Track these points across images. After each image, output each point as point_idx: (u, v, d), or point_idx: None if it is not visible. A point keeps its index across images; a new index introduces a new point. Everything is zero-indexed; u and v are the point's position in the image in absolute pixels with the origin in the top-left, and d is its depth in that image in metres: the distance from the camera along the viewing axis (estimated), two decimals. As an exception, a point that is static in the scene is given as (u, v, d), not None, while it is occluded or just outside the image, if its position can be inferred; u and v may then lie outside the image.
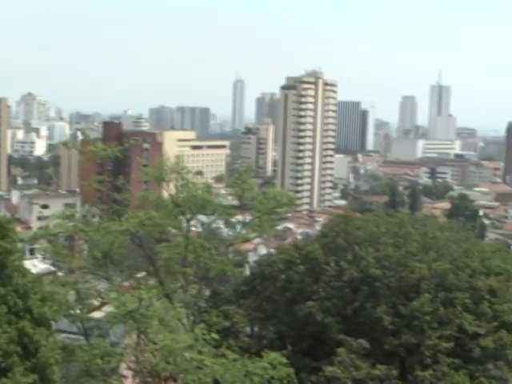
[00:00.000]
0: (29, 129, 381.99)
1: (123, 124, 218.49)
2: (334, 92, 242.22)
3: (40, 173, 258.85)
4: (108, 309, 30.45)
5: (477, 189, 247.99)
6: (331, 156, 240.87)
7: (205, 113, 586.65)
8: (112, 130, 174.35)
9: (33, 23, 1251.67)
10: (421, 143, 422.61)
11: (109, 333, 31.27)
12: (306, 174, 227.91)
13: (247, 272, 46.17)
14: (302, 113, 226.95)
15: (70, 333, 34.17)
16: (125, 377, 31.42)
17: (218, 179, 52.00)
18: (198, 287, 36.94)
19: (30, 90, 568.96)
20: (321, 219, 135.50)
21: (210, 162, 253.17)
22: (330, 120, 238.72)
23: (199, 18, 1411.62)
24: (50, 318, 27.26)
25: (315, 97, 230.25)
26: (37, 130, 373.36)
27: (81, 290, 33.46)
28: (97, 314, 33.71)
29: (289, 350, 34.65)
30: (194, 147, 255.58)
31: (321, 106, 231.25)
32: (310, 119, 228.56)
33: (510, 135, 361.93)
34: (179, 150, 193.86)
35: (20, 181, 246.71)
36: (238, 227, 38.36)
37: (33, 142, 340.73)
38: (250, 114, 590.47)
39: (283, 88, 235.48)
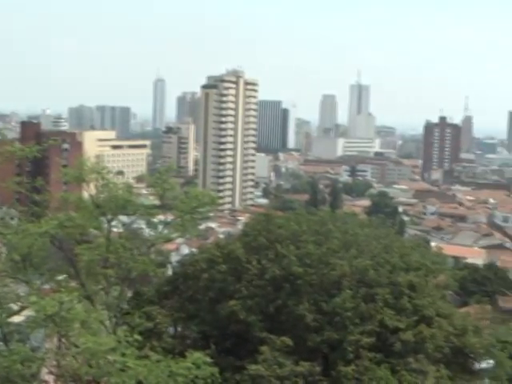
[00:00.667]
0: None
1: (42, 124, 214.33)
2: (255, 91, 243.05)
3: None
4: (28, 313, 29.81)
5: (396, 186, 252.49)
6: (252, 155, 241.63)
7: (125, 112, 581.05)
8: (30, 129, 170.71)
9: None
10: (341, 142, 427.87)
11: (29, 337, 30.61)
12: (228, 173, 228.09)
13: (170, 272, 45.94)
14: (223, 112, 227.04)
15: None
16: (46, 382, 30.83)
17: (139, 179, 51.75)
18: (119, 288, 36.52)
19: None
20: (243, 218, 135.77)
21: (131, 162, 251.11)
22: (251, 119, 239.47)
23: (119, 16, 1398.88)
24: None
25: (236, 96, 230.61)
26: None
27: (-1, 294, 32.70)
28: (16, 319, 32.98)
29: (212, 350, 34.58)
30: (115, 147, 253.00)
31: (242, 105, 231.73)
32: (231, 118, 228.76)
33: (427, 133, 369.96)
34: (99, 150, 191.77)
35: None
36: (160, 227, 38.07)
37: None
38: (171, 113, 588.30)
39: (204, 87, 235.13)
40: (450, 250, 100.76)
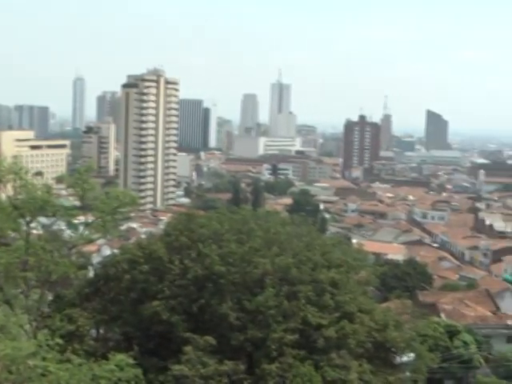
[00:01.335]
0: None
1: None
2: (176, 90, 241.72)
3: None
4: None
5: (317, 184, 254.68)
6: (174, 154, 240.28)
7: (44, 112, 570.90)
8: None
9: None
10: (262, 140, 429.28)
11: None
12: (149, 172, 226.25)
13: (91, 274, 45.34)
14: (144, 111, 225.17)
15: None
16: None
17: (59, 180, 50.83)
18: (40, 292, 35.91)
19: None
20: (164, 218, 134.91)
21: (51, 163, 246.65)
22: (173, 118, 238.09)
23: (36, 13, 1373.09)
24: None
25: (157, 95, 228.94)
26: None
27: None
28: None
29: (136, 351, 34.31)
30: (33, 147, 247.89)
31: (163, 104, 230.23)
32: (151, 118, 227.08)
33: (347, 132, 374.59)
34: (17, 151, 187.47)
35: None
36: (81, 228, 37.62)
37: None
38: (91, 112, 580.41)
39: (124, 86, 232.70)
40: (370, 246, 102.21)
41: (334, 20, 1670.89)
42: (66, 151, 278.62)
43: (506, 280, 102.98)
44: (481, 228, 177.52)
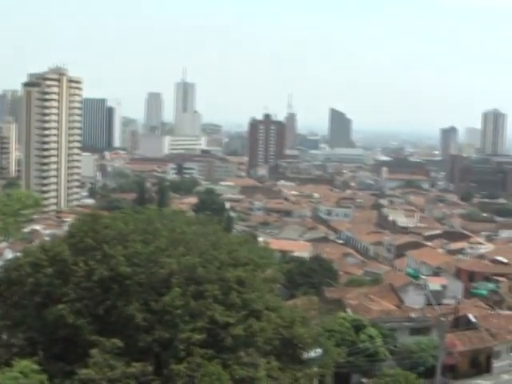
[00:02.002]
0: None
1: None
2: (79, 89, 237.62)
3: None
4: None
5: (223, 183, 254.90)
6: (78, 154, 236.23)
7: None
8: None
9: None
10: (167, 139, 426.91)
11: None
12: (52, 173, 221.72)
13: (-8, 278, 44.07)
14: (46, 111, 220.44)
15: None
16: None
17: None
18: None
19: None
20: (68, 219, 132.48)
21: None
22: (76, 118, 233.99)
23: None
24: None
25: (59, 94, 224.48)
26: None
27: None
28: None
29: (40, 356, 33.61)
30: None
31: (65, 103, 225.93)
32: (54, 117, 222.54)
33: (252, 130, 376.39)
34: None
35: None
36: (-19, 232, 36.55)
37: None
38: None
39: (26, 85, 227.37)
40: (276, 244, 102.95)
41: (238, 20, 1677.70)
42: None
43: (408, 274, 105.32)
44: (384, 224, 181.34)
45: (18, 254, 52.48)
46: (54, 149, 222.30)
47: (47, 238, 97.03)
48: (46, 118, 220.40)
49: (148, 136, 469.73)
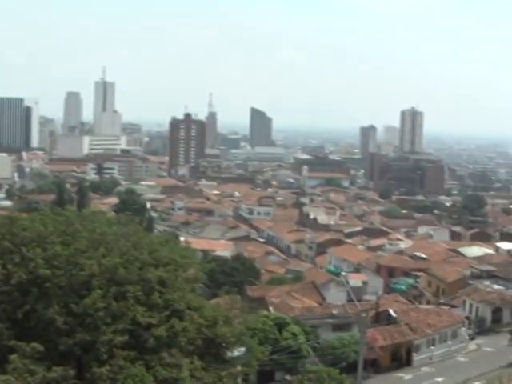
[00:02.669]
0: None
1: None
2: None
3: None
4: None
5: (144, 183, 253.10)
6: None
7: None
8: None
9: None
10: (87, 139, 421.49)
11: None
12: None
13: None
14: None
15: None
16: None
17: None
18: None
19: None
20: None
21: None
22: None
23: None
24: None
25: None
26: None
27: None
28: None
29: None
30: None
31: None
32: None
33: (173, 130, 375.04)
34: None
35: None
36: None
37: None
38: None
39: None
40: (198, 243, 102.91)
41: (158, 18, 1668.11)
42: None
43: (329, 271, 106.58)
44: (305, 222, 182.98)
45: None
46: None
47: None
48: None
49: (67, 136, 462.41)
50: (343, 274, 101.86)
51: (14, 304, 36.45)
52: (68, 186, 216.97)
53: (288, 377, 61.78)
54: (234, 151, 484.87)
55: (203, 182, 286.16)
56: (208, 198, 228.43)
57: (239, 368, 42.22)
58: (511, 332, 79.66)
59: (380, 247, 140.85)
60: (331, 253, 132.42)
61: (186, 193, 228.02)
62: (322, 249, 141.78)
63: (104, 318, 35.86)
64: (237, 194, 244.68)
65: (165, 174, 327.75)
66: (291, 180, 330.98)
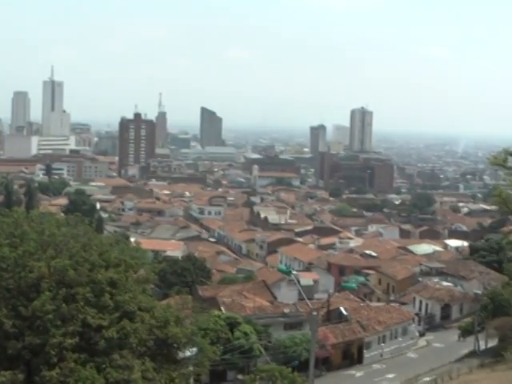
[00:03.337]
0: None
1: None
2: None
3: None
4: None
5: (93, 183, 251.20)
6: None
7: None
8: None
9: None
10: (35, 140, 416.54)
11: None
12: None
13: None
14: None
15: None
16: None
17: None
18: None
19: None
20: None
21: None
22: None
23: None
24: None
25: None
26: None
27: None
28: None
29: None
30: None
31: None
32: None
33: (123, 130, 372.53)
34: None
35: None
36: None
37: None
38: None
39: None
40: (149, 244, 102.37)
41: (105, 18, 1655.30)
42: None
43: (280, 270, 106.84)
44: (256, 221, 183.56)
45: None
46: None
47: None
48: None
49: (14, 136, 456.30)
50: (294, 272, 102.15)
51: (-39, 308, 35.80)
52: (16, 186, 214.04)
53: (240, 376, 61.83)
54: (184, 151, 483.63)
55: (153, 182, 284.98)
56: (158, 198, 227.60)
57: (191, 368, 42.08)
58: (460, 328, 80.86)
59: (331, 246, 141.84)
60: (282, 252, 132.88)
61: (136, 193, 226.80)
62: (272, 248, 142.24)
63: (53, 321, 35.43)
64: (187, 193, 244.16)
65: (114, 174, 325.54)
66: (242, 179, 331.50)
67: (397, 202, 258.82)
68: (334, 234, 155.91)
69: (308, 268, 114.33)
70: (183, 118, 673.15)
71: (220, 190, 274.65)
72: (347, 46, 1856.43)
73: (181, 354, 40.52)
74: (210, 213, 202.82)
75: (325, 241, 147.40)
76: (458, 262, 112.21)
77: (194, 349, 42.13)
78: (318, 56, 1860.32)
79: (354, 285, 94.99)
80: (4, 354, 35.10)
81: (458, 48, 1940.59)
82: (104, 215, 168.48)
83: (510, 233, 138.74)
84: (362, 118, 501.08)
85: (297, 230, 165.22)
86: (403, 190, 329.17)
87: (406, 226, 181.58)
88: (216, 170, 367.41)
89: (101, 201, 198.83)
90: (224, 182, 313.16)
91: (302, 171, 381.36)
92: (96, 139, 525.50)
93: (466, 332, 78.64)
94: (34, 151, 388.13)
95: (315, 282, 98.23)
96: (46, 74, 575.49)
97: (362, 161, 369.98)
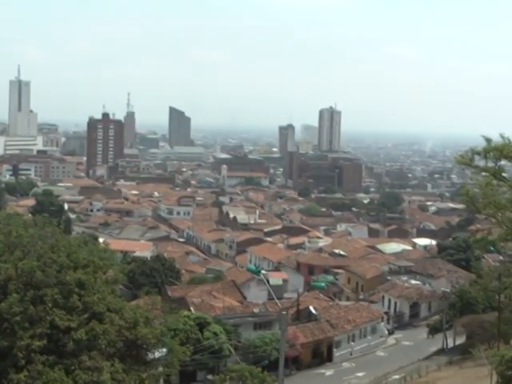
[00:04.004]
0: None
1: None
2: None
3: None
4: None
5: (61, 184, 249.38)
6: None
7: None
8: None
9: None
10: (2, 140, 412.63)
11: None
12: None
13: None
14: None
15: None
16: None
17: None
18: None
19: None
20: None
21: None
22: None
23: None
24: None
25: None
26: None
27: None
28: None
29: None
30: None
31: None
32: None
33: (90, 130, 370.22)
34: None
35: None
36: None
37: None
38: None
39: None
40: (117, 244, 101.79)
41: (73, 17, 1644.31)
42: None
43: (249, 270, 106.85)
44: (225, 221, 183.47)
45: None
46: None
47: None
48: None
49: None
50: (263, 272, 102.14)
51: None
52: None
53: (210, 376, 61.78)
54: (152, 151, 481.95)
55: (122, 182, 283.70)
56: (127, 199, 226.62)
57: (161, 369, 41.93)
58: (429, 325, 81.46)
59: (300, 245, 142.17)
60: (251, 252, 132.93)
61: (104, 193, 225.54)
62: (242, 248, 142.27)
63: (21, 323, 35.09)
64: (156, 194, 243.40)
65: (82, 174, 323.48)
66: (211, 179, 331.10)
67: (365, 202, 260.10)
68: (303, 234, 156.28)
69: (277, 267, 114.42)
70: (152, 118, 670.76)
71: (189, 190, 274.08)
72: (316, 47, 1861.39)
73: (150, 355, 40.35)
74: (178, 213, 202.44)
75: (294, 240, 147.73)
76: (426, 260, 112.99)
77: (164, 349, 42.00)
78: (286, 56, 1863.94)
79: (323, 284, 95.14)
80: (-30, 358, 34.72)
81: (426, 48, 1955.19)
82: (72, 216, 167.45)
83: (477, 231, 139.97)
84: (330, 118, 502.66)
85: (266, 230, 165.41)
86: (372, 190, 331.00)
87: (375, 225, 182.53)
88: (185, 169, 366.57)
89: (69, 201, 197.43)
90: (193, 182, 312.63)
91: (271, 171, 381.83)
92: (64, 139, 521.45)
93: (434, 330, 79.24)
94: (0, 151, 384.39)
95: (284, 281, 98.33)
96: (12, 73, 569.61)
97: (331, 160, 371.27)
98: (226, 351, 62.70)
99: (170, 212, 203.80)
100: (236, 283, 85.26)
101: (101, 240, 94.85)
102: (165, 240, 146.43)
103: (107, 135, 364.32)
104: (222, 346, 62.22)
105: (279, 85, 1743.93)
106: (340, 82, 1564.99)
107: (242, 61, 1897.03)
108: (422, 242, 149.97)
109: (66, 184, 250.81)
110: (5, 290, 36.13)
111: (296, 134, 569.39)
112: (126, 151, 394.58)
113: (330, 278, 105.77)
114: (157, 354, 41.06)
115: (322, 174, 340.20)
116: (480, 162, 41.10)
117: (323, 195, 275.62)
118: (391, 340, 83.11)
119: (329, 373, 69.29)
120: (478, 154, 40.38)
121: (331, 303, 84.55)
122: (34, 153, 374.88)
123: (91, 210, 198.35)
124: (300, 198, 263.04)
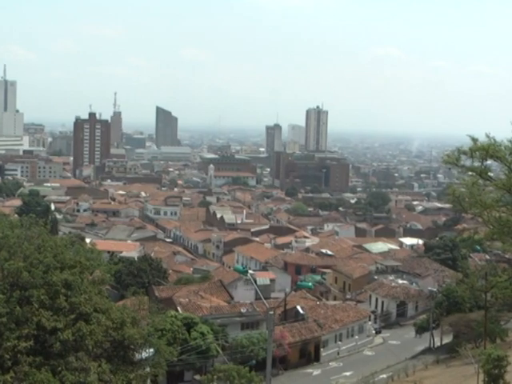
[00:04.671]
0: None
1: None
2: None
3: None
4: None
5: (47, 184, 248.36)
6: None
7: None
8: None
9: None
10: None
11: None
12: None
13: None
14: None
15: None
16: None
17: None
18: None
19: None
20: None
21: None
22: None
23: None
24: None
25: None
26: None
27: None
28: None
29: None
30: None
31: None
32: None
33: (77, 130, 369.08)
34: None
35: None
36: None
37: None
38: None
39: None
40: (104, 245, 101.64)
41: (59, 16, 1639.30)
42: None
43: (236, 270, 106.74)
44: (212, 221, 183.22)
45: None
46: None
47: None
48: None
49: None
50: (251, 272, 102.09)
51: None
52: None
53: (197, 377, 61.69)
54: (139, 151, 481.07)
55: (108, 182, 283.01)
56: (114, 199, 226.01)
57: (148, 369, 41.83)
58: (416, 325, 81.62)
59: (287, 245, 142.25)
60: (238, 251, 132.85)
61: (91, 194, 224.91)
62: (229, 248, 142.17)
63: (7, 324, 34.94)
64: (143, 194, 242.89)
65: (69, 174, 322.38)
66: (198, 179, 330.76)
67: (352, 201, 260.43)
68: (290, 234, 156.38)
69: (264, 267, 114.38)
70: (138, 118, 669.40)
71: (176, 190, 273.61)
72: (303, 47, 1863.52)
73: (137, 356, 40.26)
74: (165, 213, 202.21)
75: (281, 240, 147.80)
76: (413, 259, 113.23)
77: (151, 350, 41.91)
78: (274, 56, 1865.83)
79: (310, 284, 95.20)
80: (-44, 359, 34.52)
81: (412, 48, 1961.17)
82: (59, 216, 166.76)
83: (463, 230, 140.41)
84: (317, 118, 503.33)
85: (253, 230, 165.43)
86: (358, 189, 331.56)
87: (362, 225, 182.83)
88: (171, 169, 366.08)
89: (55, 202, 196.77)
90: (180, 182, 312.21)
91: (258, 171, 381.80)
92: (50, 139, 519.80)
93: (421, 329, 79.40)
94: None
95: (272, 281, 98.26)
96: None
97: (318, 160, 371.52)
98: (213, 351, 62.63)
99: (157, 212, 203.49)
100: (223, 283, 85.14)
101: (87, 240, 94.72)
102: (152, 240, 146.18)
103: (94, 135, 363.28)
104: (210, 346, 62.15)
105: (266, 85, 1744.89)
106: (327, 82, 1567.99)
107: (229, 61, 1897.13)
108: (409, 241, 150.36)
109: (53, 184, 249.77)
110: (-9, 291, 35.98)
111: (283, 133, 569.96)
112: (113, 151, 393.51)
113: (317, 277, 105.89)
114: (144, 355, 40.98)
115: (308, 173, 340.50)
116: (466, 161, 41.26)
117: (310, 195, 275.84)
118: (378, 339, 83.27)
119: (316, 372, 69.34)
120: (465, 153, 40.50)
121: (318, 303, 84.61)
122: (20, 153, 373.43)
123: (78, 211, 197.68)
124: (287, 198, 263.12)
